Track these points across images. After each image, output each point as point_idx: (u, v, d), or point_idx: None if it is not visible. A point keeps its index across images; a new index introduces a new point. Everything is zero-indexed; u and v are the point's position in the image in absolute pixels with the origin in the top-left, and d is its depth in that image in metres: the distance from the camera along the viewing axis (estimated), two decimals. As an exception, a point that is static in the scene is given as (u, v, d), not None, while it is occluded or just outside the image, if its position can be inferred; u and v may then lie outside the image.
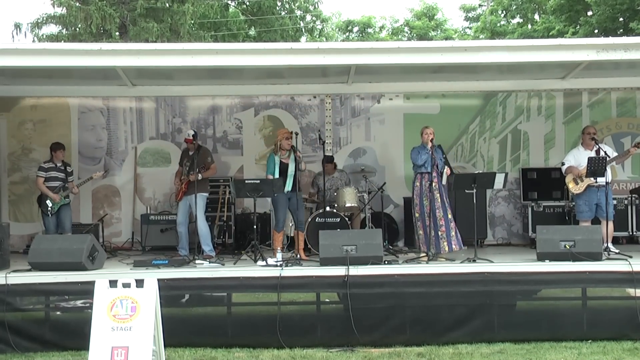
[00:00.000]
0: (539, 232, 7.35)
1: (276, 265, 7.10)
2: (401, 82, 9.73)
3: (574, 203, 8.47)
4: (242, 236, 9.71)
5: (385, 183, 9.38)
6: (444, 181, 7.75)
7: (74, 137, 10.25)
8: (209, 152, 8.71)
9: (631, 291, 6.80)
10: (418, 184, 7.90)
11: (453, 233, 7.75)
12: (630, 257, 7.11)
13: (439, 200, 7.74)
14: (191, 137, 8.44)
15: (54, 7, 21.11)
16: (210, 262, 7.57)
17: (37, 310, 6.83)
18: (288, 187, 8.07)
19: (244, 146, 10.41)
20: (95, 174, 9.24)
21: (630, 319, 6.68)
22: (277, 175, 8.01)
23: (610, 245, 7.77)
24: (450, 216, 7.77)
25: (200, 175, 8.12)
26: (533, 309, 6.95)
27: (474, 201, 7.61)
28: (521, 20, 28.68)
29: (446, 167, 7.80)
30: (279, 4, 28.24)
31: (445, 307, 6.77)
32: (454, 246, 7.73)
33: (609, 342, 6.55)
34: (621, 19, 21.52)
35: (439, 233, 7.72)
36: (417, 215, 7.92)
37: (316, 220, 8.67)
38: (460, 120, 10.40)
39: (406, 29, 34.03)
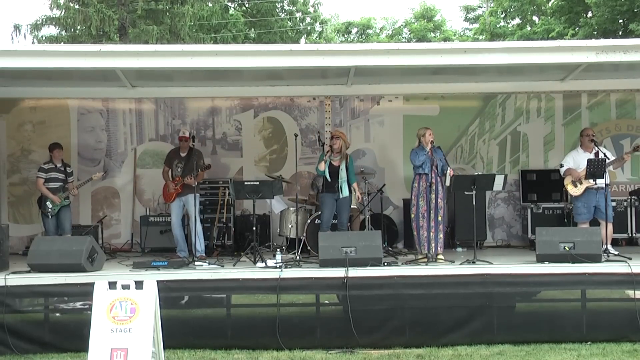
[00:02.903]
0: (538, 233, 7.35)
1: (275, 267, 7.09)
2: (400, 84, 9.72)
3: (572, 205, 8.47)
4: (241, 238, 9.70)
5: (384, 185, 9.36)
6: (448, 182, 7.74)
7: (74, 138, 10.24)
8: (201, 155, 8.76)
9: (630, 293, 6.80)
10: (416, 184, 7.91)
11: (441, 235, 7.78)
12: (630, 258, 7.10)
13: (434, 201, 7.74)
14: (188, 135, 8.44)
15: (52, 9, 21.11)
16: (209, 264, 7.57)
17: (36, 312, 6.80)
18: (344, 192, 8.15)
19: (244, 148, 10.40)
20: (94, 175, 9.20)
21: (629, 321, 6.69)
22: (327, 176, 8.09)
23: (609, 247, 7.76)
24: (440, 219, 7.78)
25: (195, 182, 8.13)
26: (532, 310, 6.94)
27: (474, 203, 7.62)
28: (521, 22, 28.69)
29: (449, 168, 7.81)
30: (278, 6, 28.26)
31: (445, 309, 6.77)
32: (439, 249, 7.76)
33: (608, 343, 6.56)
34: (621, 21, 21.54)
35: (431, 234, 7.74)
36: (412, 215, 7.94)
37: (315, 222, 8.66)
38: (459, 122, 10.40)
39: (406, 30, 34.05)
